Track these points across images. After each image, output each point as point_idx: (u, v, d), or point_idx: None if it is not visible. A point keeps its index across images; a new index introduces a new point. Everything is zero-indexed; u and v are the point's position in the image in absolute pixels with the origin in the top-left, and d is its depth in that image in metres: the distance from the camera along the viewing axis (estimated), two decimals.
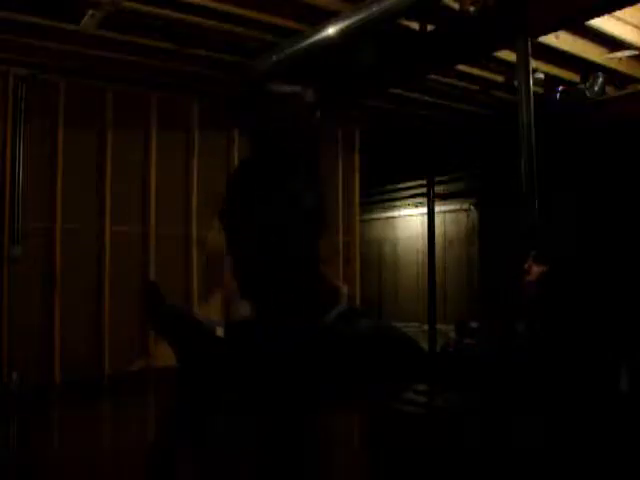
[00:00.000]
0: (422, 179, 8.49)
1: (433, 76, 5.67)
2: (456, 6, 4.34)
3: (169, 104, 5.87)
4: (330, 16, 4.36)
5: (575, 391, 2.21)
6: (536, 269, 2.53)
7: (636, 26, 4.88)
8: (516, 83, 4.26)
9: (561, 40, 4.87)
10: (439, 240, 8.82)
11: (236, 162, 6.19)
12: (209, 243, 2.46)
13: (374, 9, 4.12)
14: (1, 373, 4.89)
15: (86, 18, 4.28)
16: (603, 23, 4.61)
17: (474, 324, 6.52)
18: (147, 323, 4.05)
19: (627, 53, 5.20)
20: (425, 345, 7.12)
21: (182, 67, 5.26)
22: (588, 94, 5.73)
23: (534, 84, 4.32)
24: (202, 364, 2.21)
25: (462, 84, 5.96)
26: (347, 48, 4.61)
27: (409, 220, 10.68)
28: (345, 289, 2.23)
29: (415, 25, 4.65)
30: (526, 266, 2.58)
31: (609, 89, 5.86)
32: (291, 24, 4.56)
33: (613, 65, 5.41)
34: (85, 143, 5.45)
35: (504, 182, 6.57)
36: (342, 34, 4.32)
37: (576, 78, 5.78)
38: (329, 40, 4.41)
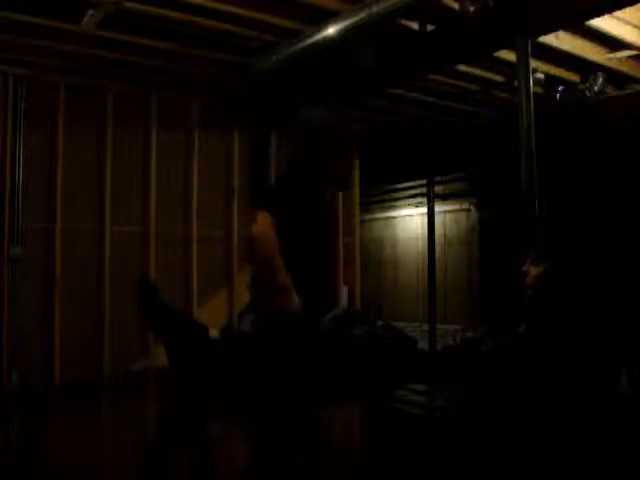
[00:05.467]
0: (422, 179, 8.49)
1: (433, 76, 5.67)
2: (456, 6, 4.33)
3: (169, 104, 5.87)
4: (330, 16, 4.36)
5: (575, 391, 2.21)
6: (534, 270, 2.53)
7: (636, 26, 4.88)
8: (516, 83, 4.26)
9: (561, 40, 4.86)
10: (439, 240, 8.82)
11: (236, 162, 6.20)
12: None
13: (374, 9, 4.12)
14: (1, 373, 4.89)
15: (86, 18, 4.28)
16: (603, 23, 4.61)
17: (472, 333, 6.51)
18: (142, 319, 4.05)
19: (627, 53, 5.20)
20: (425, 345, 7.12)
21: (182, 67, 5.26)
22: (588, 94, 5.73)
23: (534, 84, 4.31)
24: (197, 365, 2.21)
25: (462, 84, 5.96)
26: (347, 48, 4.61)
27: (409, 220, 10.69)
28: (345, 290, 2.26)
29: (415, 25, 4.65)
30: (525, 268, 2.58)
31: (609, 89, 5.86)
32: (291, 24, 4.56)
33: (613, 65, 5.40)
34: (85, 143, 5.45)
35: (504, 182, 6.57)
36: (342, 34, 4.32)
37: (576, 78, 5.78)
38: (329, 40, 4.41)
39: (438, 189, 8.47)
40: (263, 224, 2.51)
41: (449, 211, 9.87)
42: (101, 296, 5.41)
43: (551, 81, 5.66)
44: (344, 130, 2.54)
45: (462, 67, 5.45)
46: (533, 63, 4.34)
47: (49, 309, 5.17)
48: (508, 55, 4.90)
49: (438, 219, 8.68)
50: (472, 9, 4.32)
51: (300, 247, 2.48)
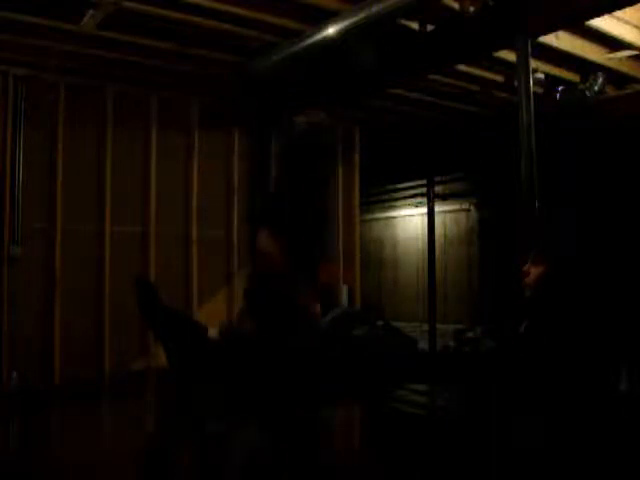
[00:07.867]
0: (422, 179, 8.49)
1: (433, 76, 5.67)
2: (456, 6, 4.33)
3: (169, 104, 5.87)
4: (330, 16, 4.36)
5: (575, 391, 2.21)
6: (534, 270, 2.53)
7: (636, 26, 4.88)
8: (516, 83, 4.26)
9: (561, 40, 4.87)
10: (439, 240, 8.82)
11: (236, 162, 6.20)
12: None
13: (374, 9, 4.12)
14: (1, 373, 4.89)
15: (86, 18, 4.28)
16: (603, 23, 4.61)
17: (472, 333, 6.53)
18: (142, 319, 4.07)
19: (627, 53, 5.20)
20: (425, 345, 7.12)
21: (182, 67, 5.26)
22: (588, 94, 5.73)
23: (534, 84, 4.31)
24: (197, 365, 2.21)
25: (462, 84, 5.96)
26: (347, 48, 4.61)
27: (409, 220, 10.69)
28: (345, 290, 2.27)
29: (415, 25, 4.65)
30: (525, 268, 2.58)
31: (609, 89, 5.86)
32: (291, 24, 4.56)
33: (613, 65, 5.40)
34: (85, 143, 5.46)
35: (504, 182, 6.57)
36: (342, 34, 4.32)
37: (576, 78, 5.78)
38: (329, 40, 4.41)
39: (438, 189, 8.46)
40: (264, 240, 2.67)
41: (449, 211, 9.87)
42: (101, 296, 5.41)
43: (551, 81, 5.66)
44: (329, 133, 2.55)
45: (462, 67, 5.45)
46: (533, 63, 4.34)
47: (49, 309, 5.18)
48: (508, 55, 4.90)
49: (438, 219, 8.67)
50: (472, 9, 4.32)
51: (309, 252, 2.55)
